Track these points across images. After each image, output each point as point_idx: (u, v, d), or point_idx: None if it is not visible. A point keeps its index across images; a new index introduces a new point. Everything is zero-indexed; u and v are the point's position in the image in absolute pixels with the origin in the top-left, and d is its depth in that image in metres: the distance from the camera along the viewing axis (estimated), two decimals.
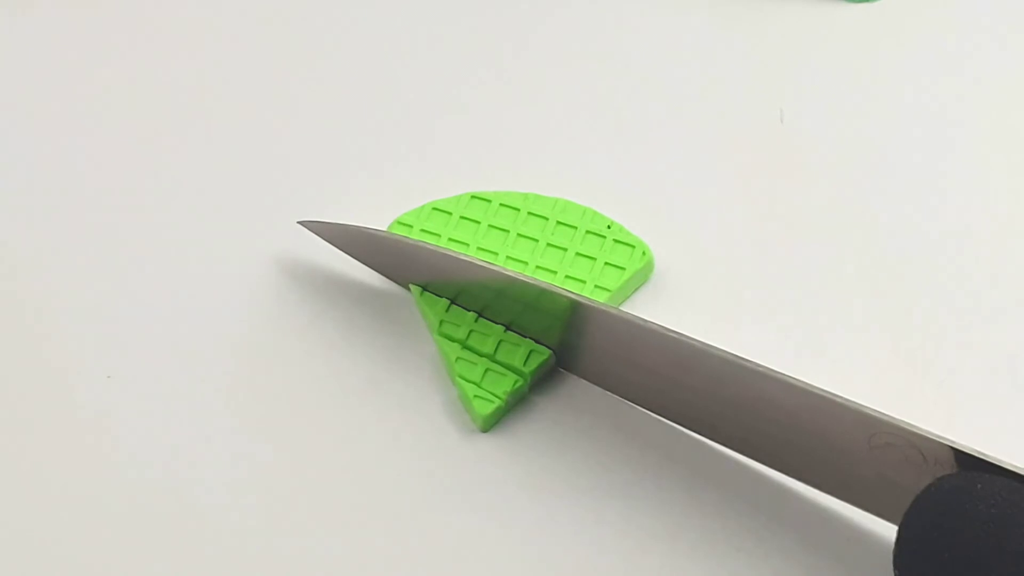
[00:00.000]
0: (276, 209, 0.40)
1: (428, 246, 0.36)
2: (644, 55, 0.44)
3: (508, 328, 0.36)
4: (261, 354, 0.37)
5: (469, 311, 0.36)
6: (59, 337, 0.37)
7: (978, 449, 0.29)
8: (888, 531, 0.32)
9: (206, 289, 0.38)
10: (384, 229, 0.38)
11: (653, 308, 0.36)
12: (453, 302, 0.36)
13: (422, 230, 0.38)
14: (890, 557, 0.29)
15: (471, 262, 0.35)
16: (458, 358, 0.35)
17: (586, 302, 0.33)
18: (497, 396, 0.34)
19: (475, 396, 0.35)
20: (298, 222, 0.38)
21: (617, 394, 0.35)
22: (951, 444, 0.29)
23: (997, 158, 0.41)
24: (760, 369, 0.31)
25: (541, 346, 0.35)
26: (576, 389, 0.36)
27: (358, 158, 0.41)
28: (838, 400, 0.30)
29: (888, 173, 0.40)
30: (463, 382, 0.35)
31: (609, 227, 0.38)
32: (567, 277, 0.37)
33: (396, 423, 0.35)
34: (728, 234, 0.39)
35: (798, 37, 0.44)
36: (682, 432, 0.34)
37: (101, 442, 0.35)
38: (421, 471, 0.34)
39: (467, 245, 0.38)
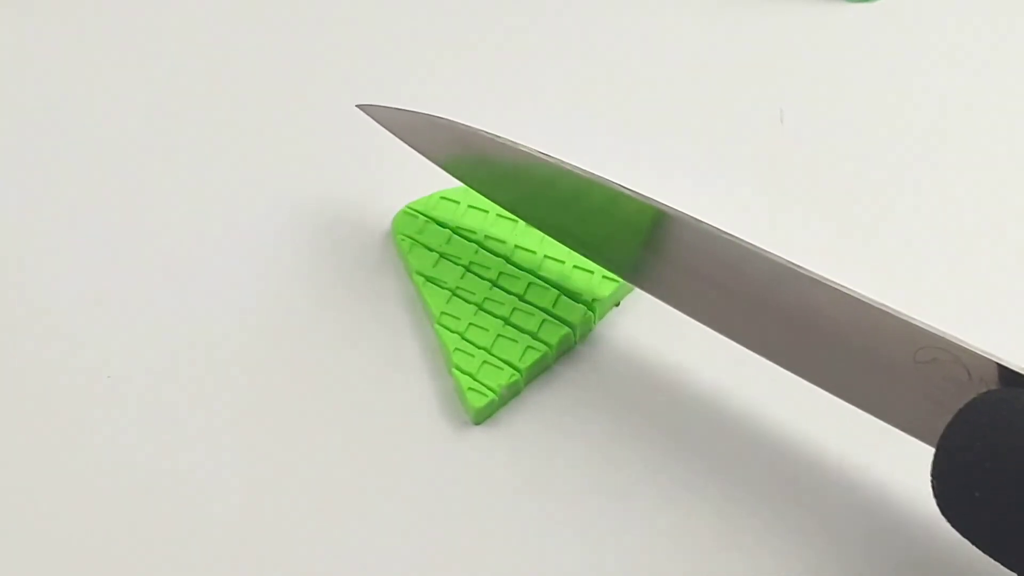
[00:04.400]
0: (272, 206, 0.40)
1: (499, 138, 0.35)
2: (644, 54, 0.44)
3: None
4: (257, 346, 0.36)
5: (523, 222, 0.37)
6: (59, 337, 0.37)
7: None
8: (891, 533, 0.32)
9: (201, 287, 0.38)
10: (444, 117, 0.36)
11: (656, 301, 0.36)
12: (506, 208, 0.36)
13: (429, 217, 0.38)
14: (890, 560, 0.29)
15: (540, 157, 0.34)
16: (456, 349, 0.35)
17: (653, 204, 0.33)
18: (491, 390, 0.34)
19: (469, 388, 0.34)
20: (357, 105, 0.37)
21: (667, 303, 0.34)
22: (997, 360, 0.29)
23: (996, 155, 0.41)
24: (811, 275, 0.31)
25: (537, 342, 0.35)
26: (571, 386, 0.35)
27: (367, 147, 0.41)
28: (887, 311, 0.30)
29: (888, 172, 0.40)
30: (459, 374, 0.35)
31: None
32: (575, 267, 0.37)
33: (391, 412, 0.35)
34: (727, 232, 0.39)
35: (798, 37, 0.44)
36: (680, 430, 0.34)
37: (101, 441, 0.34)
38: (411, 461, 0.34)
39: (475, 233, 0.37)
